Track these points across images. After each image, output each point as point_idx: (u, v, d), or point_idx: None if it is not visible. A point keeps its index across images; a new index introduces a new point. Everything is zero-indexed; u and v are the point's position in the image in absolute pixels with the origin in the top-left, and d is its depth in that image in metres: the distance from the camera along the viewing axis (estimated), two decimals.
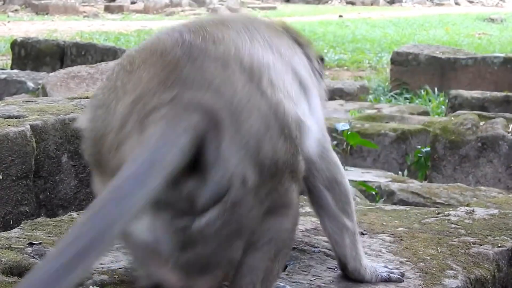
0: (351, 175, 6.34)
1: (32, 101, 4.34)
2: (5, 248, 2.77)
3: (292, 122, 2.03)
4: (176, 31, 2.10)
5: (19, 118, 3.68)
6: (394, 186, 5.75)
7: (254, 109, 1.94)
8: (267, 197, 1.99)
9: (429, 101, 12.27)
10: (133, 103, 1.92)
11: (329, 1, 49.08)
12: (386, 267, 2.66)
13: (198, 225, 1.88)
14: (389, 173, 6.96)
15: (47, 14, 33.22)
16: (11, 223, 3.31)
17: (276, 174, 1.98)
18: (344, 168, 6.32)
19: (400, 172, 7.33)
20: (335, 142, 7.06)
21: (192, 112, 1.83)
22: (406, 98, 12.82)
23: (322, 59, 2.74)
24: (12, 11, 34.39)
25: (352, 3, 48.11)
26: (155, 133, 1.79)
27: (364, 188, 5.70)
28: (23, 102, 4.30)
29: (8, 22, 28.66)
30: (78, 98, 4.37)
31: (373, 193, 5.69)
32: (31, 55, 13.92)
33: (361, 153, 7.87)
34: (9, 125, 3.48)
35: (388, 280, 2.58)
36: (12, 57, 14.73)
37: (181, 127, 1.80)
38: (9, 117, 3.70)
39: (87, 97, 4.48)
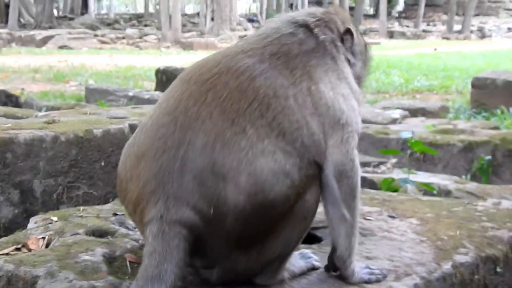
0: (419, 178, 6.22)
1: (138, 107, 4.51)
2: (94, 217, 2.89)
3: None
4: (163, 129, 2.08)
5: (122, 118, 3.85)
6: (452, 186, 5.59)
7: (231, 208, 1.98)
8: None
9: (504, 119, 11.84)
10: (135, 204, 2.08)
11: (427, 37, 48.17)
12: (368, 268, 2.44)
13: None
14: (454, 177, 6.77)
15: (191, 49, 34.13)
16: (110, 200, 3.44)
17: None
18: (413, 171, 6.22)
19: (463, 176, 7.13)
20: (410, 151, 6.97)
21: (179, 229, 1.96)
22: (483, 117, 12.44)
23: (348, 32, 2.53)
24: (165, 47, 35.46)
25: (447, 38, 47.05)
26: (154, 252, 1.95)
27: (426, 188, 5.57)
28: (131, 108, 4.48)
29: (160, 55, 29.59)
30: None
31: (434, 192, 5.55)
32: (170, 80, 14.07)
33: (433, 161, 7.70)
34: (111, 123, 3.64)
35: (367, 282, 2.37)
36: (156, 81, 15.22)
37: (173, 243, 1.95)
38: (114, 117, 3.87)
39: None
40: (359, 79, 2.58)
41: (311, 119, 2.17)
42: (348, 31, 2.51)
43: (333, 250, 2.36)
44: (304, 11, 2.52)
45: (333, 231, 2.31)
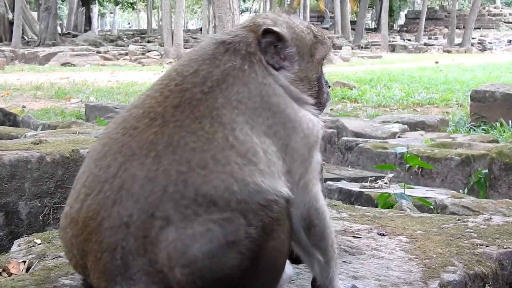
0: (416, 192, 6.18)
1: None
2: None
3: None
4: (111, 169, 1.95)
5: None
6: (448, 201, 5.53)
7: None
8: None
9: (503, 132, 11.80)
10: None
11: (428, 50, 48.21)
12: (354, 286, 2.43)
13: None
14: (451, 191, 6.73)
15: None
16: None
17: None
18: (410, 186, 6.17)
19: (460, 191, 7.08)
20: (406, 165, 6.93)
21: None
22: (483, 130, 12.40)
23: (268, 33, 2.23)
24: (167, 63, 35.52)
25: (448, 51, 47.11)
26: None
27: (423, 203, 5.52)
28: None
29: (162, 71, 29.41)
30: None
31: (430, 207, 5.51)
32: None
33: (431, 175, 7.67)
34: None
35: None
36: None
37: None
38: None
39: None
40: (306, 79, 2.29)
41: (242, 172, 1.95)
42: (266, 32, 2.21)
43: (314, 278, 2.33)
44: (222, 34, 2.28)
45: (310, 267, 2.32)
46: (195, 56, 2.19)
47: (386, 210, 4.00)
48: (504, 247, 2.95)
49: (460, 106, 16.95)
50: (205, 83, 2.08)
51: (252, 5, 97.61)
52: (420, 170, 7.73)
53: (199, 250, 1.83)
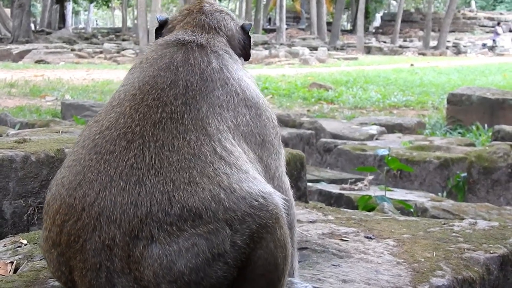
0: (395, 195, 6.22)
1: None
2: None
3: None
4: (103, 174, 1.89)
5: None
6: (428, 204, 5.58)
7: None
8: None
9: (479, 135, 11.92)
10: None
11: (403, 53, 48.54)
12: None
13: None
14: (431, 194, 6.79)
15: None
16: None
17: None
18: (390, 189, 6.19)
19: (440, 194, 7.14)
20: (386, 168, 6.97)
21: None
22: (459, 133, 12.52)
23: (244, 28, 2.47)
24: None
25: (424, 54, 47.46)
26: None
27: (403, 206, 5.56)
28: None
29: None
30: None
31: (411, 210, 5.54)
32: None
33: (409, 177, 7.72)
34: None
35: None
36: None
37: None
38: None
39: None
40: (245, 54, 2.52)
41: (229, 180, 1.92)
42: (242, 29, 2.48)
43: None
44: (176, 34, 2.30)
45: None
46: (163, 64, 2.12)
47: (371, 213, 4.01)
48: (491, 252, 2.97)
49: (436, 109, 17.10)
50: (186, 94, 2.03)
51: (228, 4, 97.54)
52: (399, 172, 7.78)
53: (185, 266, 1.81)
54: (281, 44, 48.93)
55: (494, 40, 54.30)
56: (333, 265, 2.74)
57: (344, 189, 6.54)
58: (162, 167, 1.87)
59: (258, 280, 1.96)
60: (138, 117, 1.95)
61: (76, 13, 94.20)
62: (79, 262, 1.87)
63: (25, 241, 2.73)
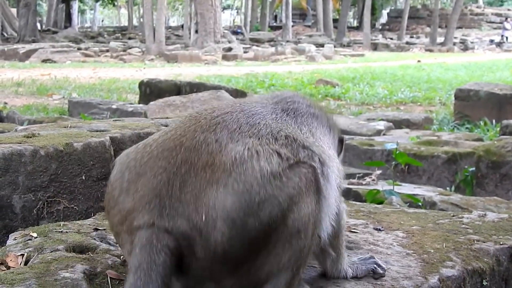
0: (403, 189, 6.21)
1: (120, 120, 4.45)
2: (74, 232, 2.83)
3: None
4: (176, 145, 2.07)
5: (103, 131, 3.78)
6: (436, 198, 5.56)
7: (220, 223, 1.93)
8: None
9: (487, 130, 11.89)
10: (126, 213, 2.03)
11: (410, 49, 48.47)
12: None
13: None
14: (439, 188, 6.76)
15: (176, 62, 33.87)
16: (92, 215, 3.38)
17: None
18: (398, 183, 6.19)
19: (448, 188, 7.12)
20: (394, 162, 6.96)
21: (167, 241, 1.93)
22: (467, 128, 12.49)
23: (341, 141, 2.65)
24: (149, 60, 35.35)
25: (431, 50, 47.38)
26: (139, 268, 1.91)
27: (412, 200, 5.55)
28: (113, 120, 4.41)
29: (144, 68, 29.40)
30: (158, 118, 4.45)
31: (419, 204, 5.53)
32: (154, 92, 14.17)
33: (417, 172, 7.70)
34: (92, 137, 3.58)
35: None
36: (139, 94, 15.12)
37: (160, 259, 1.91)
38: (96, 131, 3.81)
39: (167, 118, 4.57)
40: None
41: (317, 140, 2.30)
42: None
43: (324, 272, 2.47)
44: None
45: (320, 262, 2.47)
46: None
47: (380, 205, 4.01)
48: (501, 243, 2.97)
49: (443, 104, 17.05)
50: (309, 107, 2.45)
51: (234, 2, 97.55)
52: (406, 167, 7.76)
53: (256, 165, 1.99)
54: (288, 41, 48.95)
55: (502, 36, 54.16)
56: None
57: (352, 183, 6.53)
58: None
59: (292, 239, 2.03)
60: None
61: (82, 12, 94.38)
62: None
63: (35, 234, 2.74)
